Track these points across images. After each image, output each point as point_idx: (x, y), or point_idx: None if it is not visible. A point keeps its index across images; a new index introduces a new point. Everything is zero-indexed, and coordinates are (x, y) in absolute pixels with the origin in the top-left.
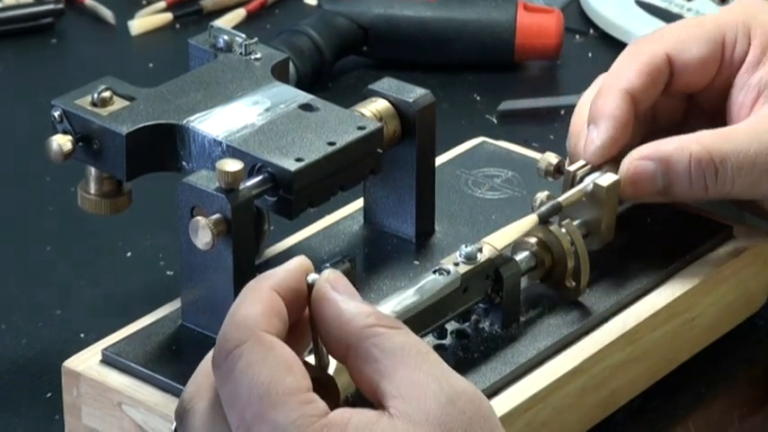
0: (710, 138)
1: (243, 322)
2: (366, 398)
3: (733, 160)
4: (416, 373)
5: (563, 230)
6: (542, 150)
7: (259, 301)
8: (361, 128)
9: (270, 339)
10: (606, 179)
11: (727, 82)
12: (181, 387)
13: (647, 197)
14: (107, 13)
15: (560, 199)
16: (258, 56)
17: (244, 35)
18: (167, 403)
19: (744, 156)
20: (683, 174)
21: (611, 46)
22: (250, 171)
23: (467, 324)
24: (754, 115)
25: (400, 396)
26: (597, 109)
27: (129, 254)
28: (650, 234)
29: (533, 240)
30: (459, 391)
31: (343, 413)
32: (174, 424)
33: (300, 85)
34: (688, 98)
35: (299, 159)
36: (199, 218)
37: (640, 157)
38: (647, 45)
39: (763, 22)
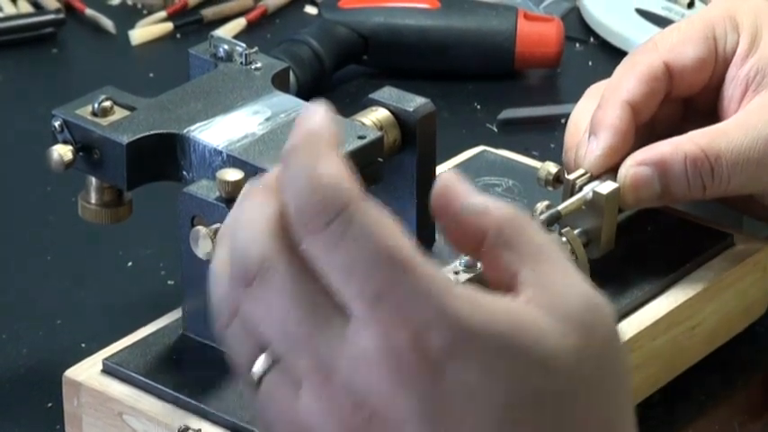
0: (703, 136)
1: (338, 183)
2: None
3: (727, 156)
4: (562, 269)
5: (563, 239)
6: (543, 159)
7: (337, 165)
8: (361, 137)
9: (374, 203)
10: (605, 187)
11: (720, 79)
12: (182, 397)
13: (648, 202)
14: (108, 23)
15: (559, 207)
16: (258, 65)
17: (244, 44)
18: (168, 413)
19: (737, 151)
20: (679, 175)
21: (612, 54)
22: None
23: None
24: (743, 110)
25: (541, 286)
26: (597, 120)
27: (129, 263)
28: (650, 243)
29: None
30: (603, 303)
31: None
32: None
33: (301, 94)
34: (684, 102)
35: None
36: (199, 227)
37: (636, 163)
38: (643, 55)
39: (748, 13)
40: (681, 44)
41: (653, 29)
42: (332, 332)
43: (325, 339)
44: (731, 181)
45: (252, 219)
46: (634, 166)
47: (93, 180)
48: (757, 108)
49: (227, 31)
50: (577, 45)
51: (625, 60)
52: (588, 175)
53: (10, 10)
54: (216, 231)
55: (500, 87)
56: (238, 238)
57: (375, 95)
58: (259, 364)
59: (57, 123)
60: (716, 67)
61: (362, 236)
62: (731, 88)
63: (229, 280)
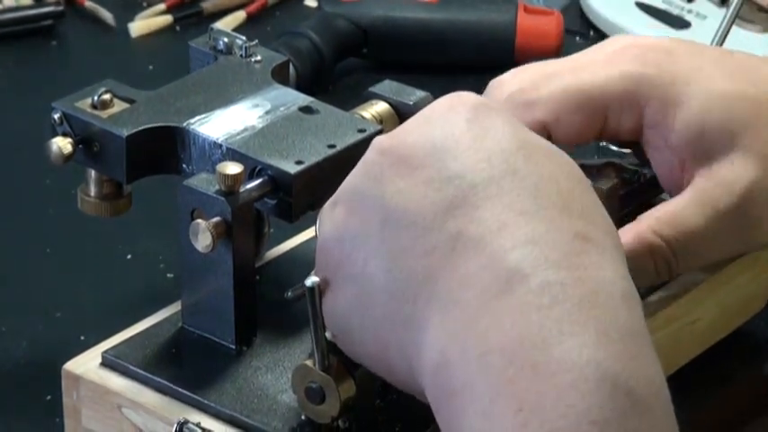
0: (664, 226)
1: None
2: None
3: (690, 247)
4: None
5: None
6: None
7: None
8: (361, 130)
9: None
10: (605, 183)
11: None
12: (181, 390)
13: None
14: (107, 15)
15: None
16: (258, 58)
17: (244, 37)
18: (167, 406)
19: (700, 235)
20: (647, 268)
21: None
22: (250, 174)
23: None
24: (694, 188)
25: None
26: None
27: (129, 256)
28: None
29: None
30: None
31: None
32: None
33: (300, 87)
34: None
35: (299, 162)
36: (199, 221)
37: None
38: (524, 111)
39: (659, 70)
40: (564, 111)
41: (652, 22)
42: None
43: None
44: (700, 260)
45: None
46: None
47: (93, 173)
48: (710, 186)
49: (226, 23)
50: (577, 38)
51: (506, 104)
52: (588, 172)
53: (9, 2)
54: (215, 225)
55: None
56: None
57: (375, 89)
58: None
59: (56, 116)
60: (605, 131)
61: None
62: (667, 155)
63: None
